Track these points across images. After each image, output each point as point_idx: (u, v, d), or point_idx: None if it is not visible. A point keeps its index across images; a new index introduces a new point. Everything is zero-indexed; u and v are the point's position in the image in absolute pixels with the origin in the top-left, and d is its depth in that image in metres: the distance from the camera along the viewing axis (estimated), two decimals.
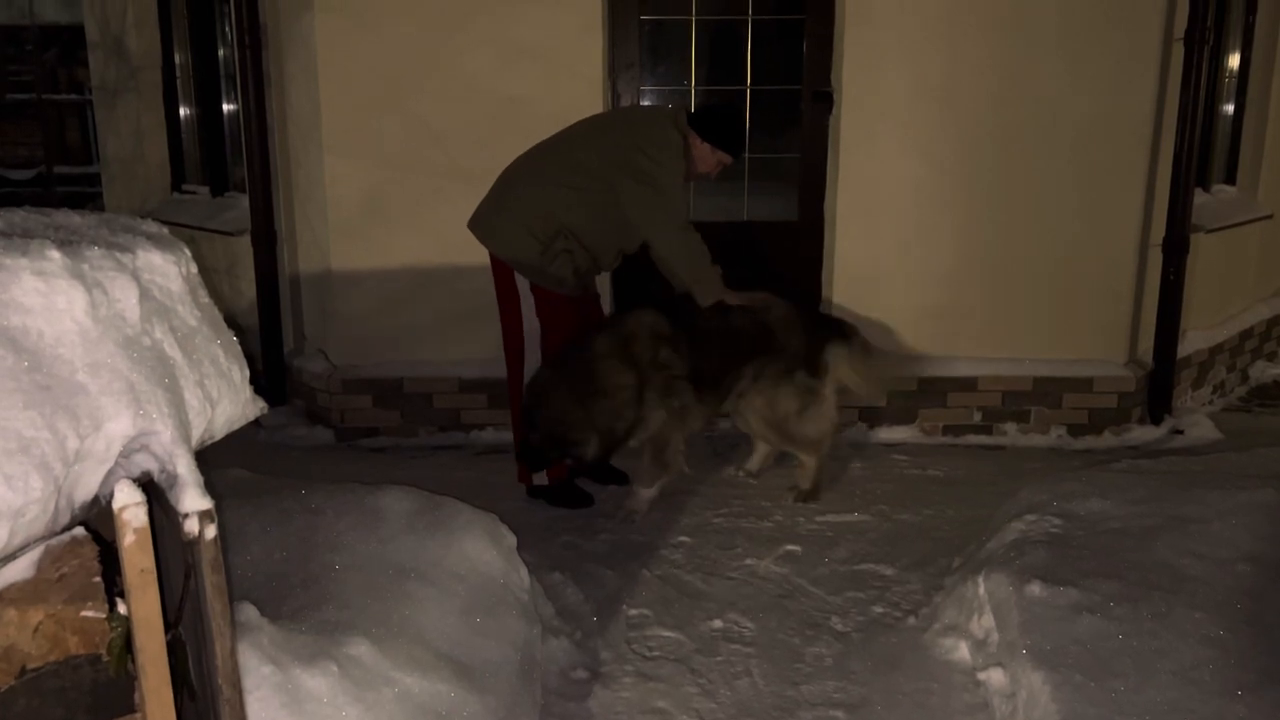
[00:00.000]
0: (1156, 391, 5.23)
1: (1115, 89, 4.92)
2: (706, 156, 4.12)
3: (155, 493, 1.56)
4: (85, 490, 1.52)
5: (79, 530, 1.65)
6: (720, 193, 5.18)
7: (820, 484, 4.36)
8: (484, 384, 5.05)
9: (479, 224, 4.18)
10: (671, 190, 4.00)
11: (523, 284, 4.12)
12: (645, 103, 5.17)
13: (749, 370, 4.21)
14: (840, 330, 4.38)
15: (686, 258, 4.06)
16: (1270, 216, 6.30)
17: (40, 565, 1.62)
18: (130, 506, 1.51)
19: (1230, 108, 6.25)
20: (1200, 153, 5.27)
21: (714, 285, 4.10)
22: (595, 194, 4.01)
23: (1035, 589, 2.82)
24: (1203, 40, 4.85)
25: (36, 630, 1.61)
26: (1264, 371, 6.54)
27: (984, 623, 3.02)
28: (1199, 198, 5.42)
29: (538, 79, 4.86)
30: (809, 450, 4.34)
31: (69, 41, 12.29)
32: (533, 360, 4.17)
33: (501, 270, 4.15)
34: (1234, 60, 6.16)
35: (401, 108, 4.92)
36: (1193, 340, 5.57)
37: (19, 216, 1.87)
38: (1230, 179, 6.37)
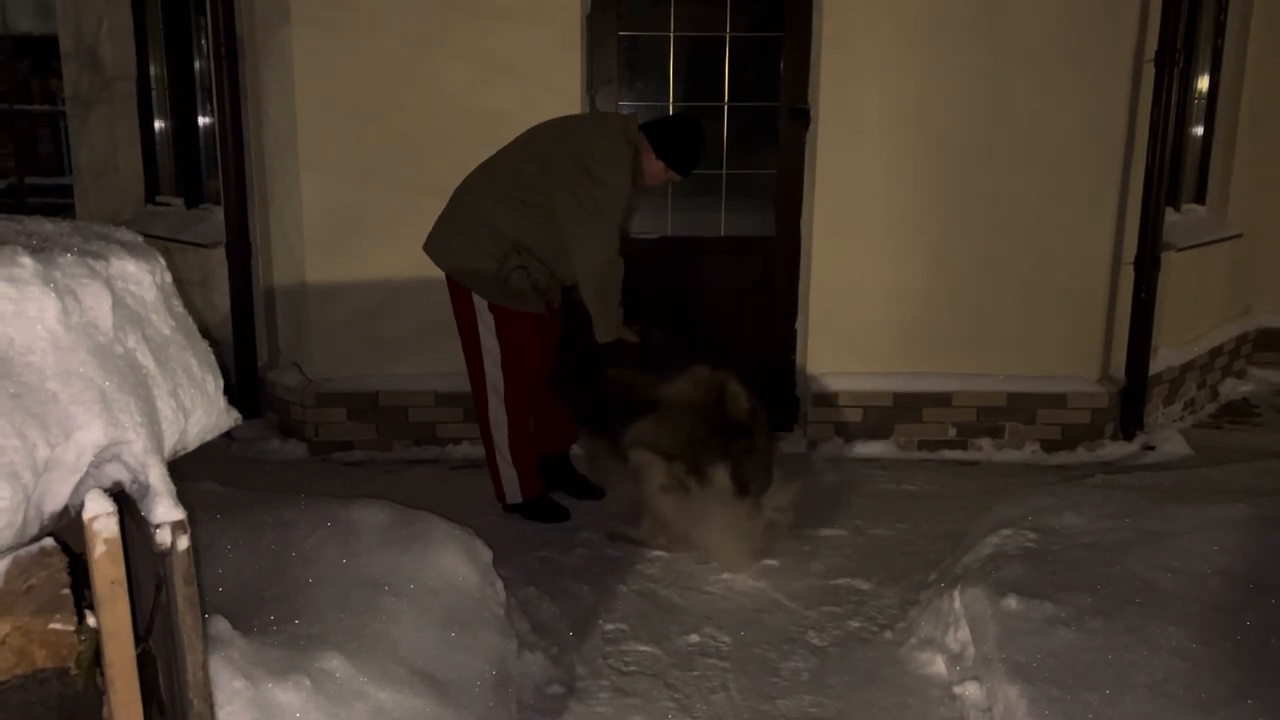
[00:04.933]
0: (1129, 408, 5.28)
1: (1087, 109, 4.98)
2: (658, 172, 3.99)
3: (127, 503, 1.55)
4: (55, 500, 1.50)
5: (48, 541, 1.62)
6: (697, 208, 5.20)
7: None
8: (460, 398, 5.02)
9: (432, 245, 4.07)
10: (611, 214, 3.84)
11: (480, 304, 3.98)
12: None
13: None
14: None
15: (602, 289, 3.89)
16: (1240, 235, 6.39)
17: (8, 576, 1.59)
18: (101, 517, 1.49)
19: (1200, 129, 6.34)
20: (1171, 172, 5.34)
21: (615, 324, 3.96)
22: (541, 206, 3.88)
23: (1011, 603, 2.83)
24: (1173, 62, 4.93)
25: (3, 643, 1.58)
26: (1234, 388, 6.61)
27: (960, 636, 3.03)
28: (1170, 217, 5.49)
29: (515, 94, 4.85)
30: None
31: (42, 52, 12.19)
32: (495, 381, 4.07)
33: (458, 291, 4.03)
34: (1203, 82, 6.26)
35: (379, 121, 4.91)
36: (1164, 357, 5.63)
37: None
38: (1200, 198, 6.45)
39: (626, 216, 4.11)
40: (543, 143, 4.01)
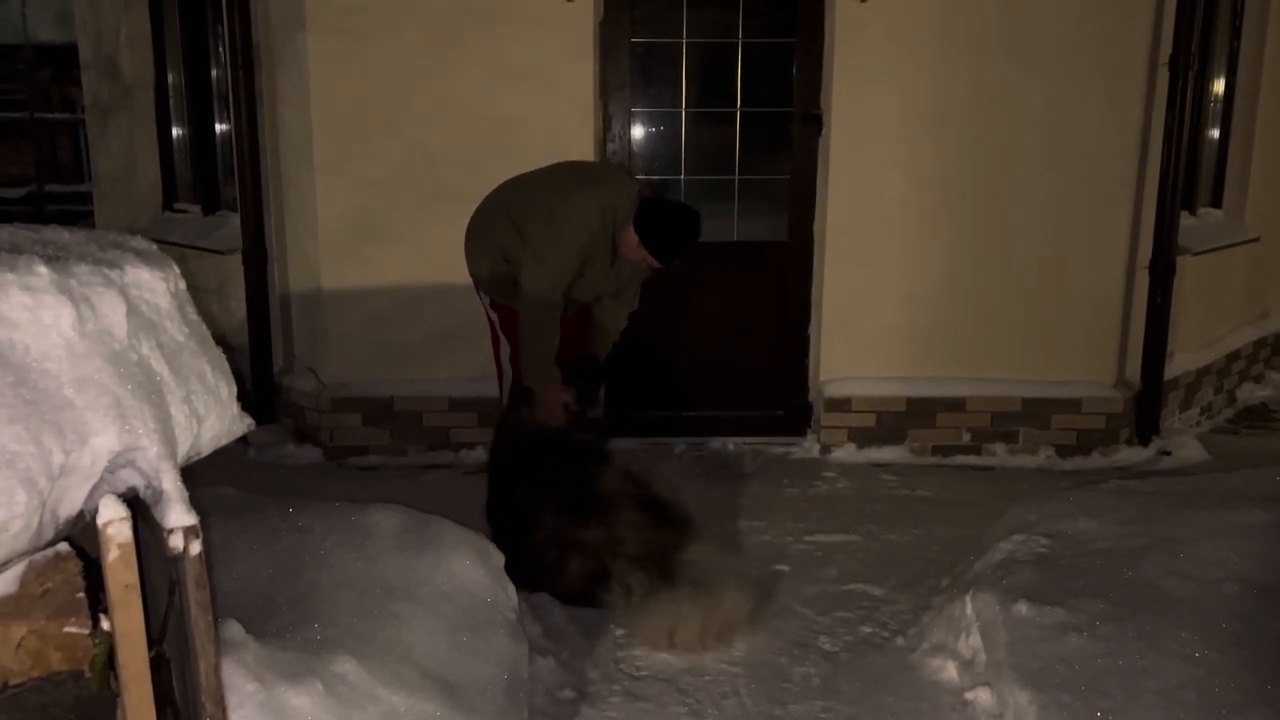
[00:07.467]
0: (1144, 413, 5.26)
1: (1102, 113, 4.97)
2: (633, 246, 3.89)
3: (140, 508, 1.56)
4: (70, 505, 1.52)
5: (63, 545, 1.65)
6: (711, 214, 5.19)
7: None
8: (473, 403, 5.04)
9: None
10: (546, 258, 3.79)
11: (485, 301, 4.16)
12: (635, 128, 5.19)
13: None
14: None
15: (529, 325, 3.85)
16: (1256, 240, 6.35)
17: (24, 580, 1.61)
18: (115, 522, 1.50)
19: (1215, 132, 6.30)
20: (1186, 176, 5.31)
21: (538, 372, 3.86)
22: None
23: (1023, 609, 2.82)
24: (1188, 65, 4.90)
25: (19, 646, 1.60)
26: (1251, 393, 6.57)
27: (972, 642, 3.02)
28: (1185, 221, 5.46)
29: (529, 100, 4.88)
30: None
31: (62, 61, 12.30)
32: (509, 373, 4.16)
33: (476, 291, 4.20)
34: (1219, 85, 6.22)
35: (394, 128, 4.93)
36: (1180, 362, 5.59)
37: (7, 233, 1.87)
38: (1216, 202, 6.41)
39: (600, 282, 3.98)
40: (551, 175, 4.10)
